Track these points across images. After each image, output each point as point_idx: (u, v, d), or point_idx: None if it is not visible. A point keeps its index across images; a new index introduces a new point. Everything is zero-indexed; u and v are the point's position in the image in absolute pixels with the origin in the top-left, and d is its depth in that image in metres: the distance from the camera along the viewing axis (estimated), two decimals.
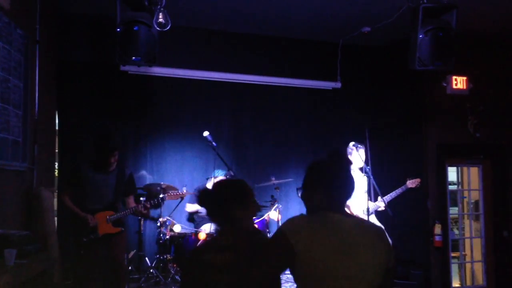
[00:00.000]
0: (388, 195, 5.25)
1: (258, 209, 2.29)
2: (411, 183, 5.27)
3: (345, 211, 1.99)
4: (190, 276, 2.13)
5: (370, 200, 5.08)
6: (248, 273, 1.90)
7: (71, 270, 4.75)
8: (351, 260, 1.81)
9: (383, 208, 5.09)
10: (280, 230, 1.87)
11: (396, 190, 5.25)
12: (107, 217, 4.30)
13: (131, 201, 4.58)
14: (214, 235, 2.29)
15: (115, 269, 4.39)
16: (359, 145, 5.23)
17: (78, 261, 4.30)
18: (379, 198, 5.12)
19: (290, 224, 1.87)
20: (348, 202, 2.02)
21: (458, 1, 4.27)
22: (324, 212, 1.91)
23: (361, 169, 5.13)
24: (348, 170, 2.05)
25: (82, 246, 4.22)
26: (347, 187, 1.99)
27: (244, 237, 2.13)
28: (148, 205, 4.52)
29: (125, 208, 4.48)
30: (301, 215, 1.95)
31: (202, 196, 2.25)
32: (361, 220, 1.99)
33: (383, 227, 2.05)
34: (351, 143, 5.28)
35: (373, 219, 5.11)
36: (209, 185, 5.56)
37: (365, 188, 5.11)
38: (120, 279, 4.43)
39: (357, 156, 5.13)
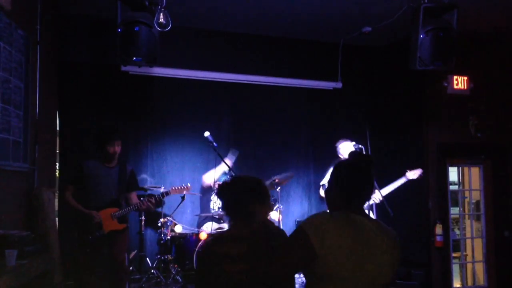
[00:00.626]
0: (386, 187, 5.23)
1: (271, 209, 2.31)
2: (412, 174, 5.21)
3: (364, 211, 2.01)
4: (204, 268, 2.14)
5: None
6: (262, 266, 1.91)
7: (73, 270, 4.76)
8: (371, 263, 1.83)
9: (378, 201, 5.07)
10: (303, 229, 1.83)
11: (394, 182, 5.22)
12: (111, 213, 4.32)
13: (133, 197, 4.60)
14: (225, 229, 2.32)
15: (115, 269, 4.40)
16: (359, 145, 5.24)
17: (82, 259, 4.31)
18: (376, 191, 5.11)
19: (315, 225, 1.83)
20: None
21: (459, 1, 4.27)
22: (346, 213, 1.91)
23: None
24: (367, 171, 2.03)
25: (87, 244, 4.24)
26: (365, 188, 2.01)
27: (259, 229, 2.15)
28: (153, 200, 4.54)
29: (128, 205, 4.49)
30: (324, 213, 1.95)
31: (221, 189, 2.27)
32: (380, 223, 2.01)
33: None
34: (352, 144, 5.28)
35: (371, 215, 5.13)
36: (206, 176, 5.55)
37: None
38: (120, 278, 4.44)
39: None
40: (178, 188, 4.98)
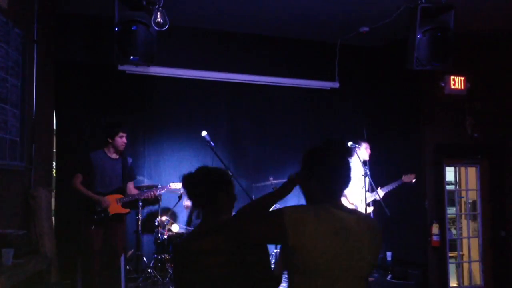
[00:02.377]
0: (385, 187, 5.44)
1: (236, 199, 2.32)
2: (406, 178, 5.48)
3: (341, 202, 1.95)
4: (181, 267, 2.14)
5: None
6: (237, 253, 1.95)
7: (69, 269, 4.84)
8: (352, 255, 1.80)
9: (379, 198, 5.22)
10: (281, 211, 1.82)
11: (392, 183, 5.45)
12: (117, 199, 4.74)
13: (131, 187, 5.03)
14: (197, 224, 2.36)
15: (113, 258, 4.76)
16: (357, 145, 5.26)
17: (86, 235, 4.66)
18: (379, 189, 5.32)
19: (295, 214, 1.80)
20: (346, 192, 2.02)
21: (456, 2, 4.28)
22: (325, 205, 1.85)
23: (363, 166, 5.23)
24: (345, 160, 1.96)
25: (92, 222, 4.64)
26: (343, 177, 1.93)
27: (225, 218, 2.17)
28: (155, 192, 4.98)
29: (126, 194, 4.89)
30: (305, 206, 1.90)
31: (186, 180, 2.29)
32: (359, 214, 1.96)
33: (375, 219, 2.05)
34: (349, 143, 5.29)
35: (370, 210, 5.45)
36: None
37: (362, 185, 5.19)
38: (118, 266, 4.82)
39: (355, 156, 5.15)
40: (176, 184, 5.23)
